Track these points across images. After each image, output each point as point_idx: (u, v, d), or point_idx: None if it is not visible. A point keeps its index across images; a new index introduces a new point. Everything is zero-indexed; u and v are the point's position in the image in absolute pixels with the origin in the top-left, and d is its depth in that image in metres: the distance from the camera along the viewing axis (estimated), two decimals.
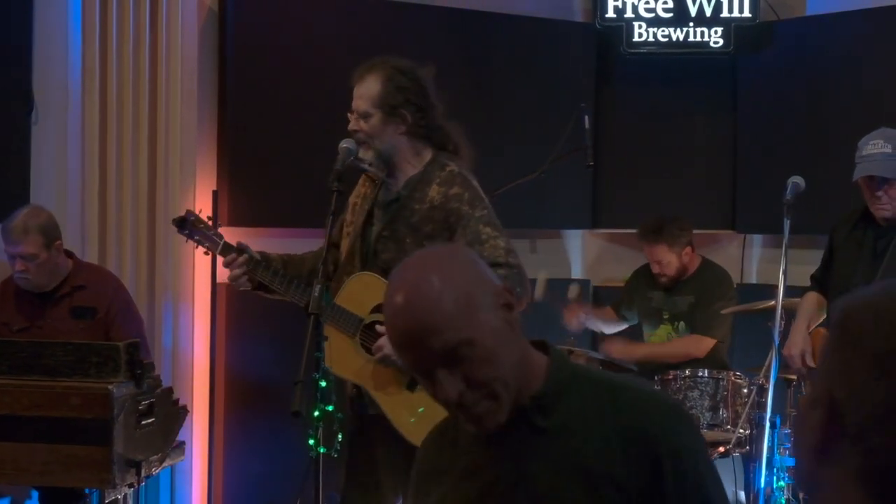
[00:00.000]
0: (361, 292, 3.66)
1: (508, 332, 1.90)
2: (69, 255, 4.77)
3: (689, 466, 1.87)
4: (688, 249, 5.61)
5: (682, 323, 5.55)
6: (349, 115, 3.71)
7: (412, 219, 3.62)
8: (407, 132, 3.67)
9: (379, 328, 3.55)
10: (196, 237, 3.83)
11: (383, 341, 3.55)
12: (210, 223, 3.89)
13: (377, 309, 3.61)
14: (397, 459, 3.57)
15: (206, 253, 3.96)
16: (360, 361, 3.64)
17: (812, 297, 4.61)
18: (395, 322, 1.89)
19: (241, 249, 3.77)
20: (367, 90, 3.64)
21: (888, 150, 4.25)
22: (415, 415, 3.56)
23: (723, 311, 5.39)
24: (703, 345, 5.41)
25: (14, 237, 4.52)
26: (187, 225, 3.84)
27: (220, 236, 3.86)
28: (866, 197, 4.33)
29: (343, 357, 3.64)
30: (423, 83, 3.77)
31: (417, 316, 1.84)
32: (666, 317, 5.61)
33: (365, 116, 3.65)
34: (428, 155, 3.73)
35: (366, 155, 3.66)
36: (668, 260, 5.56)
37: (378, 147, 3.65)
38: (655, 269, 5.60)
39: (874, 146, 4.28)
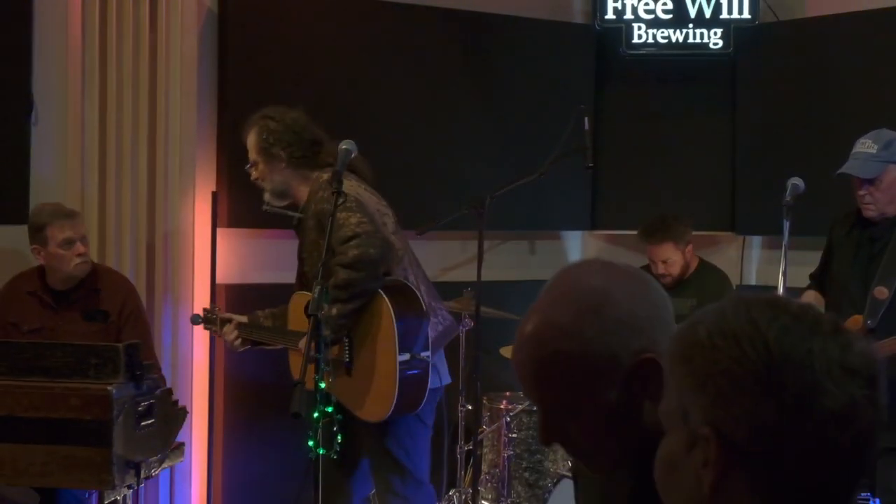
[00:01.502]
0: (298, 310, 4.14)
1: (618, 414, 1.66)
2: None
3: None
4: (690, 248, 5.62)
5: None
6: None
7: (310, 235, 4.14)
8: (287, 166, 4.23)
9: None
10: (207, 327, 4.66)
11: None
12: (217, 312, 4.62)
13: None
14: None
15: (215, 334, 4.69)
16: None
17: (810, 296, 4.63)
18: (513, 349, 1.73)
19: (228, 320, 4.43)
20: (250, 143, 4.28)
21: (873, 150, 4.32)
22: (356, 392, 4.05)
23: None
24: None
25: (74, 220, 4.63)
26: (201, 321, 4.68)
27: (216, 317, 4.58)
28: (856, 197, 4.38)
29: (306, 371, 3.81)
30: (291, 122, 4.27)
31: (516, 360, 1.69)
32: None
33: (255, 164, 4.27)
34: (313, 176, 4.22)
35: (266, 194, 4.27)
36: (675, 258, 5.55)
37: (271, 187, 4.24)
38: (660, 269, 5.57)
39: (862, 145, 4.37)
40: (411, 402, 4.04)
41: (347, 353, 4.09)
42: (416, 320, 4.07)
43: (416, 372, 4.04)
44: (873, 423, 1.26)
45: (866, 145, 4.35)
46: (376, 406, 4.04)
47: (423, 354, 4.03)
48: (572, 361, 1.63)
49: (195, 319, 4.74)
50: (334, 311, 3.88)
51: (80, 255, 4.58)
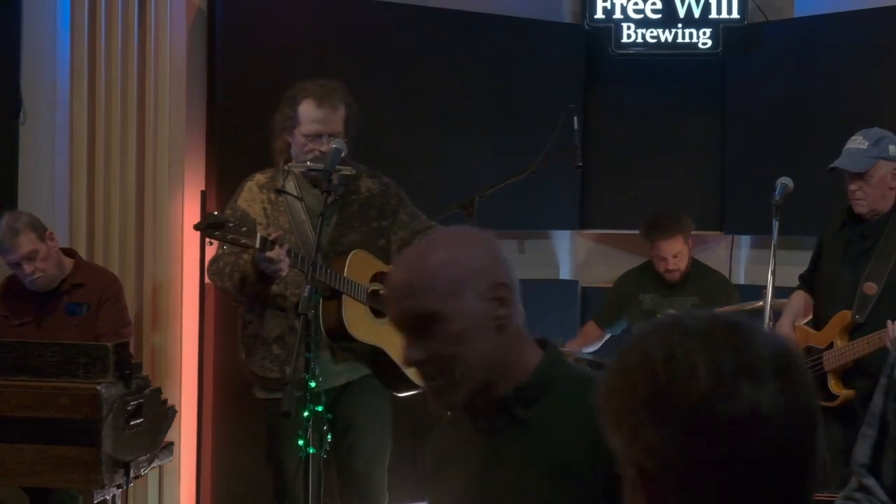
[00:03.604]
0: (360, 266, 4.13)
1: (489, 324, 1.94)
2: (71, 254, 4.82)
3: None
4: (691, 242, 5.61)
5: None
6: (312, 139, 4.12)
7: (353, 208, 4.22)
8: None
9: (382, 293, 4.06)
10: (229, 237, 3.83)
11: None
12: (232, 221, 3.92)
13: (374, 278, 4.17)
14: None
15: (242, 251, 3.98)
16: (373, 325, 4.12)
17: (799, 297, 4.65)
18: (391, 274, 2.03)
19: (279, 241, 3.86)
20: (339, 114, 4.19)
21: (864, 146, 4.38)
22: None
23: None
24: None
25: (8, 244, 4.54)
26: (220, 227, 3.82)
27: (254, 231, 3.89)
28: (847, 192, 4.41)
29: (361, 322, 4.10)
30: None
31: (405, 274, 1.95)
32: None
33: (336, 136, 4.13)
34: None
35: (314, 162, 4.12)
36: (684, 252, 5.52)
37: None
38: (670, 264, 5.50)
39: (853, 142, 4.44)
40: None
41: None
42: None
43: None
44: (794, 416, 1.24)
45: (857, 141, 4.40)
46: None
47: None
48: (447, 268, 1.92)
49: (209, 225, 3.85)
50: None
51: (27, 274, 4.59)
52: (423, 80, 5.93)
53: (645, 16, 6.22)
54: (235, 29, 5.53)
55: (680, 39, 6.21)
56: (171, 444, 4.65)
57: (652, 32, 6.22)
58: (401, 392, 4.28)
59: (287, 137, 4.19)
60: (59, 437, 3.82)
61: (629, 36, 6.23)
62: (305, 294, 3.50)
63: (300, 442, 3.47)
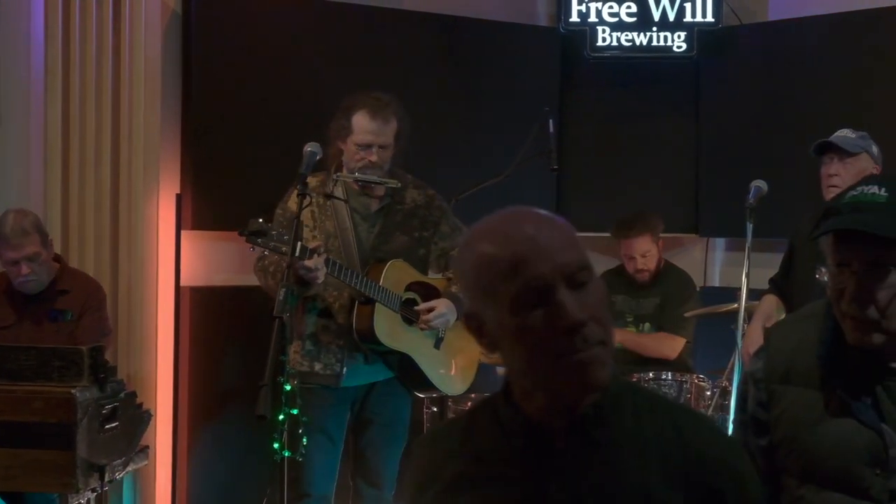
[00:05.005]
0: (397, 275, 4.29)
1: None
2: (57, 259, 4.78)
3: (752, 496, 1.84)
4: (661, 243, 5.63)
5: (647, 325, 5.56)
6: (362, 148, 4.24)
7: (396, 218, 4.37)
8: (393, 158, 4.37)
9: (420, 305, 4.33)
10: (271, 244, 3.93)
11: (429, 316, 4.30)
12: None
13: (409, 287, 4.35)
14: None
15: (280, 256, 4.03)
16: (403, 332, 4.30)
17: (770, 300, 4.66)
18: (523, 237, 1.79)
19: (318, 250, 4.00)
20: (391, 127, 4.31)
21: (853, 136, 4.41)
22: (442, 367, 4.45)
23: (686, 314, 5.42)
24: (675, 344, 5.44)
25: (15, 241, 4.51)
26: (262, 234, 3.93)
27: (292, 240, 3.92)
28: (822, 179, 4.42)
29: (391, 330, 4.25)
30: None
31: (554, 228, 1.77)
32: (629, 319, 5.61)
33: (385, 147, 4.29)
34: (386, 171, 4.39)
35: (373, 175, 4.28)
36: (653, 251, 5.55)
37: (381, 173, 4.30)
38: (639, 264, 5.54)
39: (841, 132, 4.47)
40: None
41: (443, 330, 4.43)
42: None
43: None
44: None
45: (845, 132, 4.44)
46: (458, 382, 4.56)
47: None
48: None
49: (254, 233, 3.92)
50: None
51: (23, 275, 4.56)
52: (398, 83, 5.90)
53: (620, 19, 6.25)
54: (210, 31, 5.52)
55: (655, 43, 6.24)
56: (147, 447, 4.64)
57: (627, 36, 6.24)
58: (422, 393, 4.59)
59: (340, 145, 4.32)
60: (34, 440, 3.81)
61: (604, 39, 6.25)
62: (281, 297, 3.52)
63: (275, 445, 3.47)
